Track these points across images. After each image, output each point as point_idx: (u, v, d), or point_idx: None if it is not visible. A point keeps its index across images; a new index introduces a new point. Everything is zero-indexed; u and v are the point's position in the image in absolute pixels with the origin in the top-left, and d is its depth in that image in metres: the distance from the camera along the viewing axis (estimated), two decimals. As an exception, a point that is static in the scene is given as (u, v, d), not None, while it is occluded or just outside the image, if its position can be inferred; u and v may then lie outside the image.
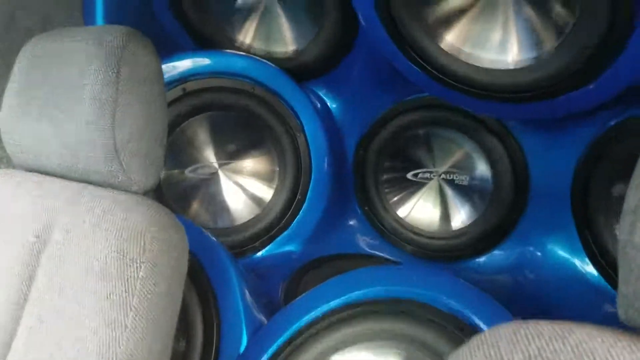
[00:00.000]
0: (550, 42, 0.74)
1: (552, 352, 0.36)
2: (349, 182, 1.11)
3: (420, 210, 1.10)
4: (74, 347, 0.58)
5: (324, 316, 0.71)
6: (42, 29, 0.97)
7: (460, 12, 0.78)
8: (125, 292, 0.57)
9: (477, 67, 0.79)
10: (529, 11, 0.75)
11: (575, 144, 0.97)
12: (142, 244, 0.60)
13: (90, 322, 0.57)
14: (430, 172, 1.08)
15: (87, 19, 0.97)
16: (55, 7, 0.98)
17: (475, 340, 0.39)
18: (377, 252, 1.09)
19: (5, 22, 0.93)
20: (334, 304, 0.71)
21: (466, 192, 1.07)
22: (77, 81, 0.65)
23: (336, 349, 0.68)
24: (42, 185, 0.70)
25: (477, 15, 0.78)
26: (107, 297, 0.57)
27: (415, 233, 1.08)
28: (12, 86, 0.73)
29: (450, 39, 0.80)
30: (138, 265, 0.58)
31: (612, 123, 0.89)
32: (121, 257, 0.59)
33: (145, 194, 0.68)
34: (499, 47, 0.77)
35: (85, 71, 0.64)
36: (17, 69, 0.73)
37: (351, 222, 1.12)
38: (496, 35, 0.77)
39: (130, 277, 0.57)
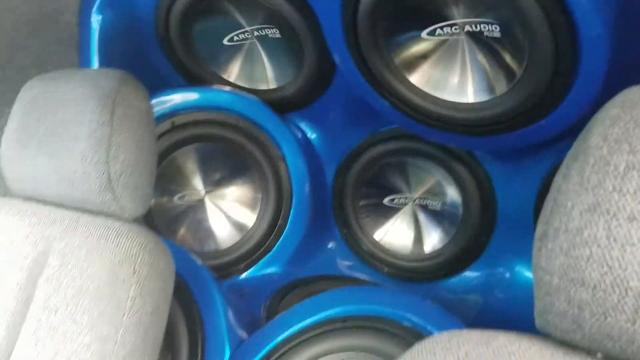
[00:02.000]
0: (501, 88, 0.82)
1: (478, 355, 0.42)
2: (328, 208, 1.18)
3: (395, 233, 1.16)
4: (68, 361, 0.64)
5: (299, 333, 0.77)
6: (39, 67, 1.03)
7: (422, 57, 0.86)
8: (117, 309, 0.63)
9: (440, 102, 0.87)
10: (482, 60, 0.83)
11: (537, 170, 1.05)
12: (133, 267, 0.66)
13: (84, 338, 0.62)
14: (405, 198, 1.15)
15: (83, 59, 1.04)
16: (51, 47, 1.06)
17: (416, 346, 0.45)
18: (355, 274, 1.16)
19: (2, 61, 1.00)
20: (308, 321, 0.78)
21: (438, 216, 1.14)
22: (74, 120, 0.72)
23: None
24: (40, 213, 0.76)
25: (437, 60, 0.86)
26: (100, 315, 0.63)
27: (390, 255, 1.15)
28: (11, 124, 0.79)
29: (414, 80, 0.88)
30: (128, 286, 0.64)
31: (567, 153, 0.97)
32: (113, 279, 0.65)
33: (136, 220, 0.74)
34: (457, 89, 0.85)
35: (81, 111, 0.71)
36: (16, 108, 0.80)
37: (330, 245, 1.19)
38: (454, 79, 0.85)
39: (122, 297, 0.64)
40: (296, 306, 0.84)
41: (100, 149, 0.69)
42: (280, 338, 0.78)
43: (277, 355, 0.77)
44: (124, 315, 0.63)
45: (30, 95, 0.78)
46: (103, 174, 0.69)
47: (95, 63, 1.02)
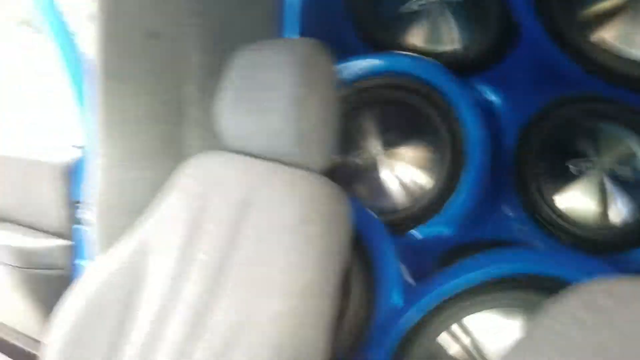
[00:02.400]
0: None
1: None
2: (506, 171, 1.17)
3: (578, 201, 1.11)
4: (262, 286, 0.77)
5: (466, 286, 0.82)
6: (247, 39, 1.20)
7: (612, 14, 0.81)
8: (305, 244, 0.74)
9: (632, 60, 0.81)
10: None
11: None
12: (319, 211, 0.77)
13: (277, 264, 0.75)
14: (592, 164, 1.09)
15: (283, 30, 1.18)
16: (258, 20, 1.21)
17: (569, 290, 0.47)
18: (530, 240, 1.14)
19: (216, 35, 1.17)
20: (473, 275, 0.82)
21: (628, 187, 1.06)
22: (274, 83, 0.85)
23: (472, 311, 0.79)
24: (246, 164, 0.91)
25: (629, 16, 0.80)
26: (291, 248, 0.75)
27: (571, 223, 1.10)
28: (225, 88, 0.95)
29: (606, 36, 0.84)
30: (315, 226, 0.75)
31: None
32: (304, 220, 0.76)
33: (321, 172, 0.85)
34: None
35: (280, 76, 0.83)
36: (228, 75, 0.95)
37: (506, 210, 1.18)
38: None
39: (310, 235, 0.75)
40: (466, 260, 0.88)
41: (294, 109, 0.81)
42: (447, 289, 0.83)
43: (445, 305, 0.82)
44: (311, 251, 0.74)
45: (240, 63, 0.92)
46: (296, 130, 0.80)
47: (294, 34, 1.15)
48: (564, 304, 0.46)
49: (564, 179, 1.12)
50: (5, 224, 1.57)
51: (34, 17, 1.52)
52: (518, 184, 1.16)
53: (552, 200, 1.13)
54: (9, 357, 1.48)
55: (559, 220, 1.12)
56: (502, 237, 1.15)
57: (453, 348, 0.89)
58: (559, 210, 1.12)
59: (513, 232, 1.15)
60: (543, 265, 0.81)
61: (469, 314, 0.81)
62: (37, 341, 1.47)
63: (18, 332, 1.54)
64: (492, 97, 1.17)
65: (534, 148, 1.12)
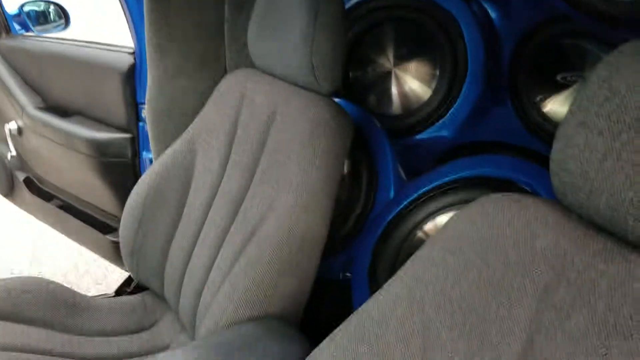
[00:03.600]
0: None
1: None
2: (503, 80, 1.32)
3: (563, 107, 1.26)
4: (281, 185, 1.00)
5: (443, 184, 1.03)
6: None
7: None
8: (313, 155, 0.95)
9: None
10: None
11: None
12: (325, 129, 0.98)
13: (292, 168, 0.97)
14: (578, 76, 1.22)
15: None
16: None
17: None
18: (519, 142, 1.31)
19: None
20: (448, 178, 1.03)
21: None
22: (291, 19, 1.01)
23: (446, 208, 1.01)
24: (272, 84, 1.11)
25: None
26: (302, 158, 0.96)
27: (554, 126, 1.26)
28: (255, 14, 1.12)
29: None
30: (321, 141, 0.96)
31: None
32: (311, 133, 0.97)
33: (329, 94, 1.04)
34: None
35: (296, 13, 1.00)
36: (257, 6, 1.11)
37: (501, 116, 1.34)
38: None
39: (317, 147, 0.96)
40: (447, 164, 1.09)
41: (307, 44, 0.98)
42: (427, 187, 1.05)
43: (423, 198, 1.05)
44: (316, 159, 0.96)
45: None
46: (308, 62, 0.99)
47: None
48: (474, 205, 0.68)
49: (553, 89, 1.26)
50: (78, 117, 1.84)
51: None
52: (513, 93, 1.31)
53: (540, 107, 1.28)
54: (94, 228, 1.82)
55: (549, 126, 1.28)
56: (495, 139, 1.33)
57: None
58: (545, 114, 1.28)
59: (507, 136, 1.33)
60: (503, 170, 1.01)
61: (439, 211, 1.03)
62: (114, 216, 1.81)
63: (99, 209, 1.88)
64: (492, 14, 1.28)
65: (528, 61, 1.26)
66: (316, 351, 0.74)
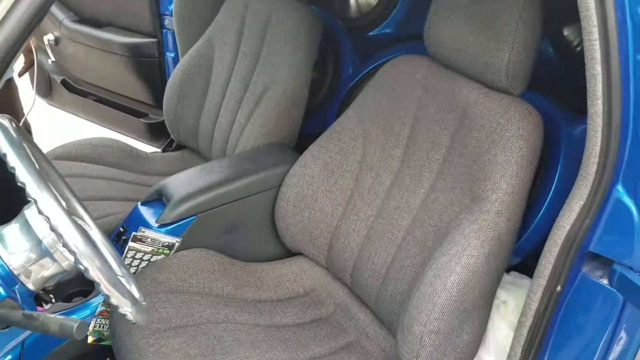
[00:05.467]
0: None
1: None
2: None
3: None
4: (275, 64, 1.55)
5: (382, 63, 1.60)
6: None
7: None
8: (297, 46, 1.50)
9: None
10: None
11: None
12: (303, 33, 1.51)
13: (284, 52, 1.53)
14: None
15: None
16: None
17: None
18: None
19: None
20: (386, 58, 1.59)
21: None
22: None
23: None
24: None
25: None
26: (292, 58, 1.51)
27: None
28: None
29: None
30: (302, 34, 1.50)
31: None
32: (297, 31, 1.51)
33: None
34: None
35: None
36: None
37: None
38: None
39: (299, 39, 1.50)
40: (384, 51, 1.64)
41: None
42: (372, 66, 1.61)
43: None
44: (298, 48, 1.50)
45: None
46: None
47: None
48: (389, 62, 1.24)
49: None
50: (110, 27, 2.31)
51: None
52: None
53: None
54: (129, 114, 2.32)
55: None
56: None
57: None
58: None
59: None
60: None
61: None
62: (145, 103, 2.32)
63: (131, 99, 2.37)
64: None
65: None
66: (305, 152, 1.33)
